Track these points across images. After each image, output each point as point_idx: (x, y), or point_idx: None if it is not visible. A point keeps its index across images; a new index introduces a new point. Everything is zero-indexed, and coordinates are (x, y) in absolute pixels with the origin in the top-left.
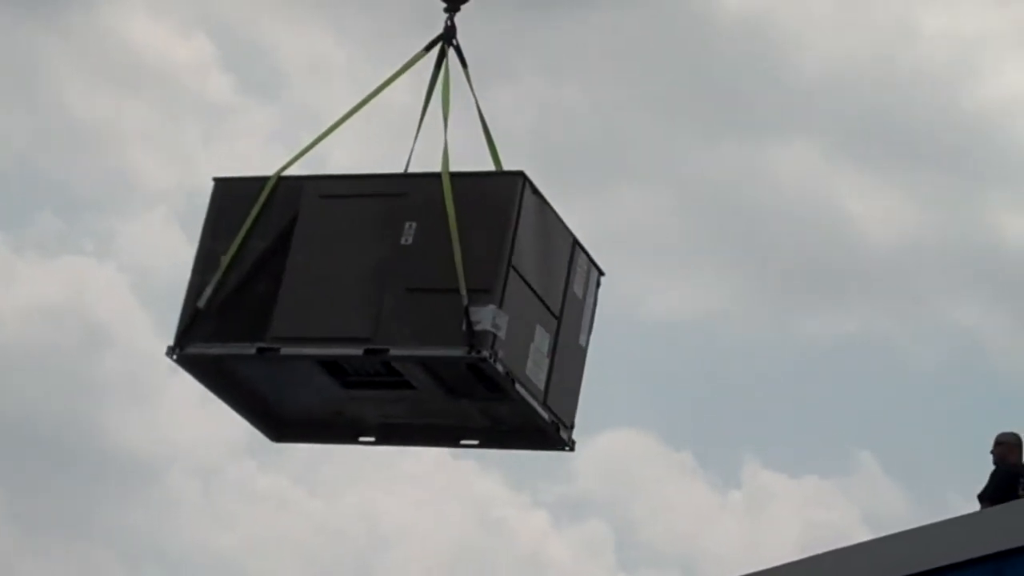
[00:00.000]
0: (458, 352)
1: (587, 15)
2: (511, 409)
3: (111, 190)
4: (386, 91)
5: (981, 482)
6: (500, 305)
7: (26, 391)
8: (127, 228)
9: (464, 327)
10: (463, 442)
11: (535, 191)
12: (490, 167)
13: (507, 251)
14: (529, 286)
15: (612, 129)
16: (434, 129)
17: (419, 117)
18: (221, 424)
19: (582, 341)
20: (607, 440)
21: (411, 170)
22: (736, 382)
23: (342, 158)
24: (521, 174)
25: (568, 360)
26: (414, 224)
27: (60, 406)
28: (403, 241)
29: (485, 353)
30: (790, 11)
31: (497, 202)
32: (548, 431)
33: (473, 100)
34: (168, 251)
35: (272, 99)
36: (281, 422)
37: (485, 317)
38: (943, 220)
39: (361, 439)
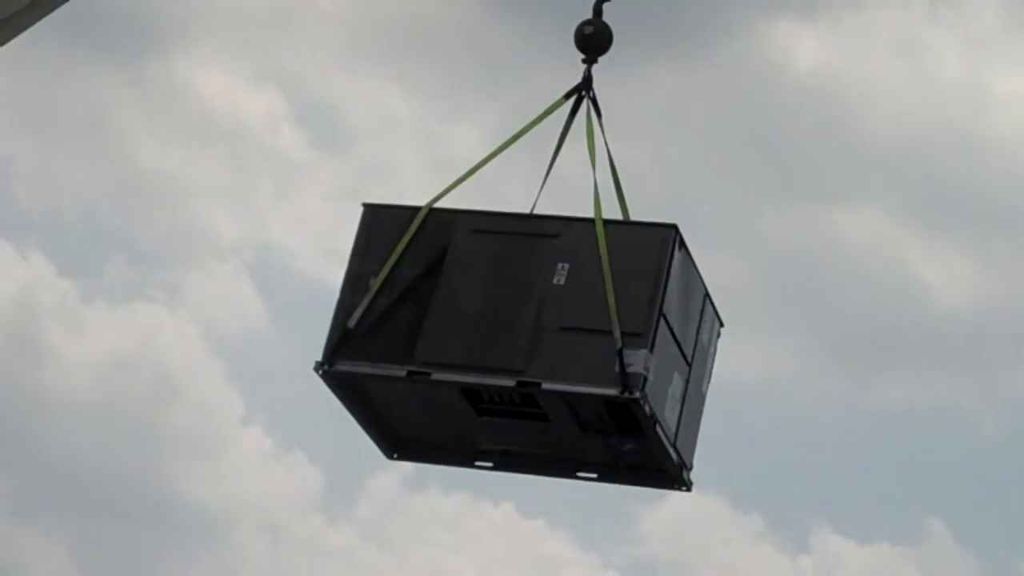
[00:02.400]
0: (611, 392)
1: (652, 73)
2: (641, 447)
3: (180, 242)
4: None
5: None
6: (651, 350)
7: (93, 441)
8: (196, 280)
9: (617, 368)
10: (580, 475)
11: (683, 243)
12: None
13: (659, 299)
14: (673, 333)
15: (678, 190)
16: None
17: (549, 162)
18: (290, 478)
19: (704, 389)
20: (676, 502)
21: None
22: (806, 446)
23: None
24: (674, 227)
25: (693, 405)
26: (567, 265)
27: (127, 457)
28: (555, 281)
29: (637, 394)
30: (859, 72)
31: (651, 251)
32: (672, 471)
33: (605, 147)
34: (237, 304)
35: (341, 154)
36: (399, 440)
37: (638, 360)
38: (1015, 287)
39: (478, 463)
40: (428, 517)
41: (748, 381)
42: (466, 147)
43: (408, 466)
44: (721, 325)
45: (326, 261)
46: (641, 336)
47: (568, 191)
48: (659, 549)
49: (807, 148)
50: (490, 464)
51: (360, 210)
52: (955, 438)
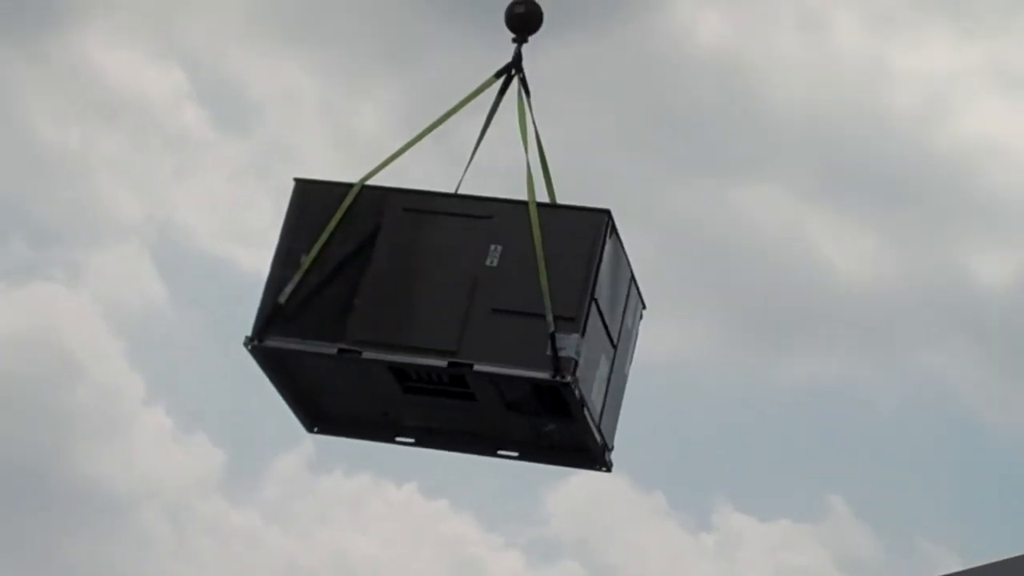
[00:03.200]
0: (543, 375)
1: (557, 48)
2: (565, 428)
3: (81, 221)
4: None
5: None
6: (582, 334)
7: None
8: (97, 259)
9: (548, 352)
10: (501, 452)
11: (614, 228)
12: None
13: (591, 284)
14: (602, 317)
15: (583, 164)
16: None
17: (476, 141)
18: (193, 459)
19: (626, 370)
20: (580, 482)
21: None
22: (707, 424)
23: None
24: (607, 212)
25: (616, 387)
26: (500, 247)
27: (28, 438)
28: (488, 263)
29: (569, 379)
30: (761, 48)
31: (584, 236)
32: (595, 452)
33: (532, 128)
34: (138, 283)
35: (245, 132)
36: (321, 415)
37: (570, 345)
38: (915, 262)
39: (399, 439)
40: (331, 498)
41: (649, 358)
42: (369, 124)
43: (311, 448)
44: (644, 307)
45: (228, 240)
46: (573, 320)
47: (481, 170)
48: (562, 529)
49: (711, 124)
50: (411, 440)
51: (265, 187)
52: (856, 415)
